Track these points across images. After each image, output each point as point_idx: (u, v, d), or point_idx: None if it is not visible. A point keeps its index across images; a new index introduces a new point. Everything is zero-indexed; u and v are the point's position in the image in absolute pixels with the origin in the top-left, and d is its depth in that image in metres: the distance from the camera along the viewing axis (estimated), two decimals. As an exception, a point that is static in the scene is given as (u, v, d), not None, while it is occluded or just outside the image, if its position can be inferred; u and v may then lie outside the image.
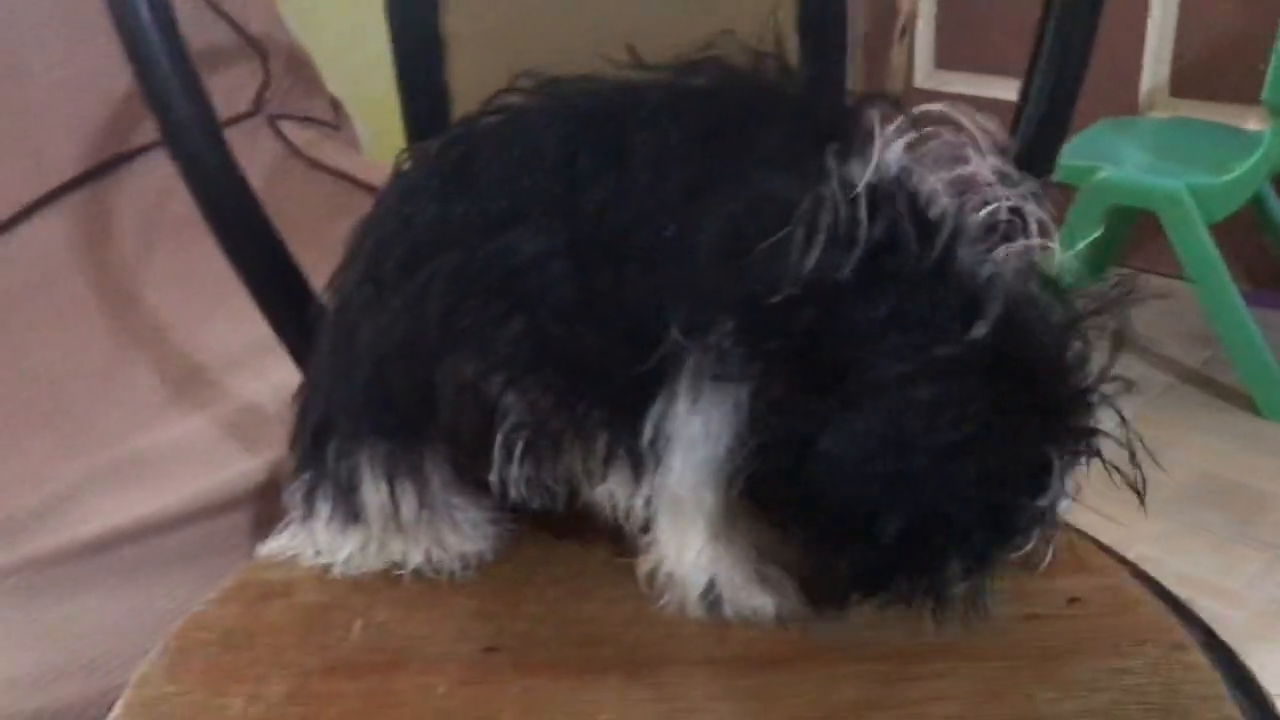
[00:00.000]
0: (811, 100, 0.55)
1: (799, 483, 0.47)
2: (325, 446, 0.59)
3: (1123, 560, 0.61)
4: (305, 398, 0.62)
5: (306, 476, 0.61)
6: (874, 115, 0.51)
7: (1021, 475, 0.47)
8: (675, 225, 0.49)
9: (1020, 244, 0.48)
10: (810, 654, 0.54)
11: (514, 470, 0.54)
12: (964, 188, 0.49)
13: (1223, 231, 1.64)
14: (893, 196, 0.47)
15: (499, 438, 0.53)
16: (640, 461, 0.52)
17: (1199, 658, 0.52)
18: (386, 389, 0.56)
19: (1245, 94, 1.88)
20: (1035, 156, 0.68)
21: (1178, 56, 1.95)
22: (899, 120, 0.51)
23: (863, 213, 0.46)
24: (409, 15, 0.68)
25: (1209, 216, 1.61)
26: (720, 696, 0.52)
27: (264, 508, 0.89)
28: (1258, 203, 1.75)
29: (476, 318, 0.52)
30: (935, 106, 0.52)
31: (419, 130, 0.70)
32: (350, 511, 0.59)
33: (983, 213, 0.48)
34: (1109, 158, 1.72)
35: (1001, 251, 0.48)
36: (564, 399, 0.53)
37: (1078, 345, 0.49)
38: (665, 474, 0.52)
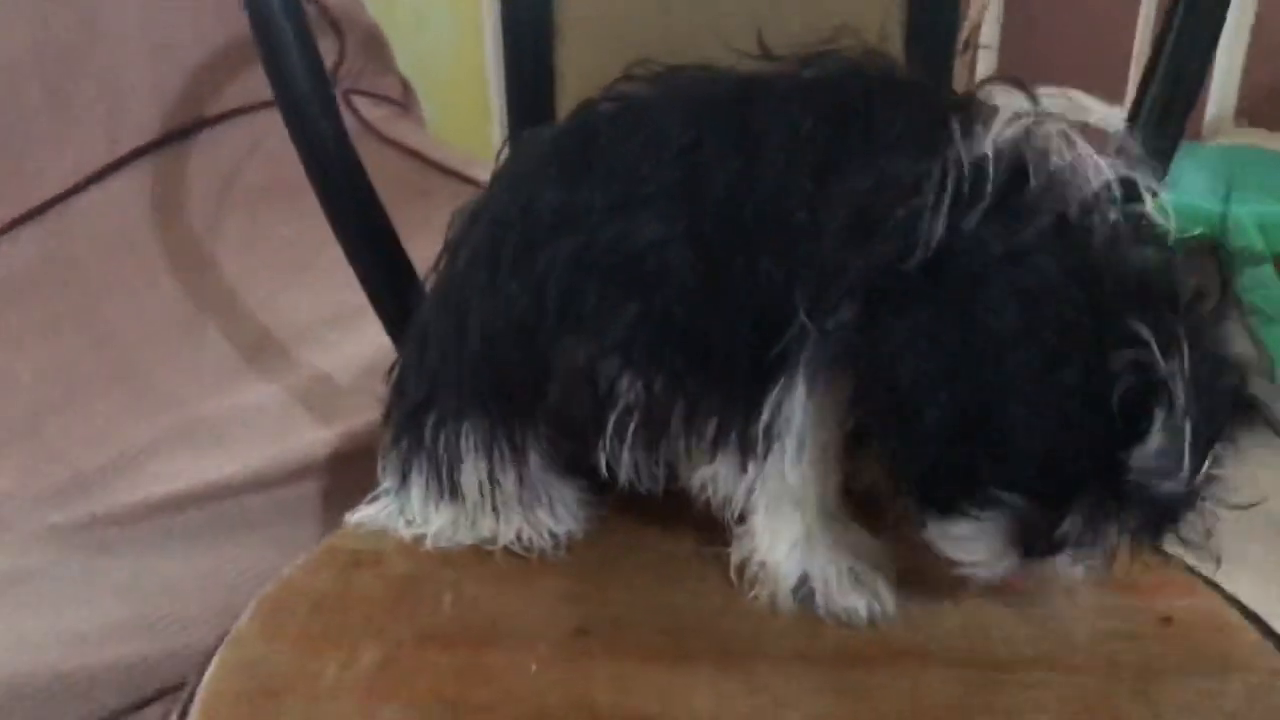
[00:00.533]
0: (933, 89, 0.55)
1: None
2: (424, 420, 0.60)
3: (1213, 584, 0.60)
4: (402, 371, 0.63)
5: (402, 447, 0.62)
6: (998, 93, 0.51)
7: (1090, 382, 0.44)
8: (805, 209, 0.49)
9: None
10: (902, 655, 0.54)
11: (624, 453, 0.54)
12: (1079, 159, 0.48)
13: (1283, 263, 1.62)
14: (1017, 158, 0.47)
15: (611, 421, 0.54)
16: (750, 446, 0.52)
17: (1301, 685, 0.52)
18: (496, 369, 0.56)
19: (1313, 126, 1.86)
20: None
21: (1246, 83, 1.93)
22: (1020, 100, 0.51)
23: (988, 175, 0.46)
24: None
25: (1273, 247, 1.59)
26: (813, 691, 0.52)
27: (332, 479, 0.89)
28: (1320, 236, 1.73)
29: (595, 301, 0.52)
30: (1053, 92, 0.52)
31: (523, 114, 0.70)
32: (446, 486, 0.60)
33: (1096, 181, 0.48)
34: (1172, 183, 1.70)
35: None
36: (679, 383, 0.53)
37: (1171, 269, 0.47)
38: (776, 458, 0.52)
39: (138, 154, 1.26)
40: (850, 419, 0.51)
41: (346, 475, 0.88)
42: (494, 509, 0.59)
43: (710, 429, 0.53)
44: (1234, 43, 1.90)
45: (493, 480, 0.58)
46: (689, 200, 0.51)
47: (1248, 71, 1.90)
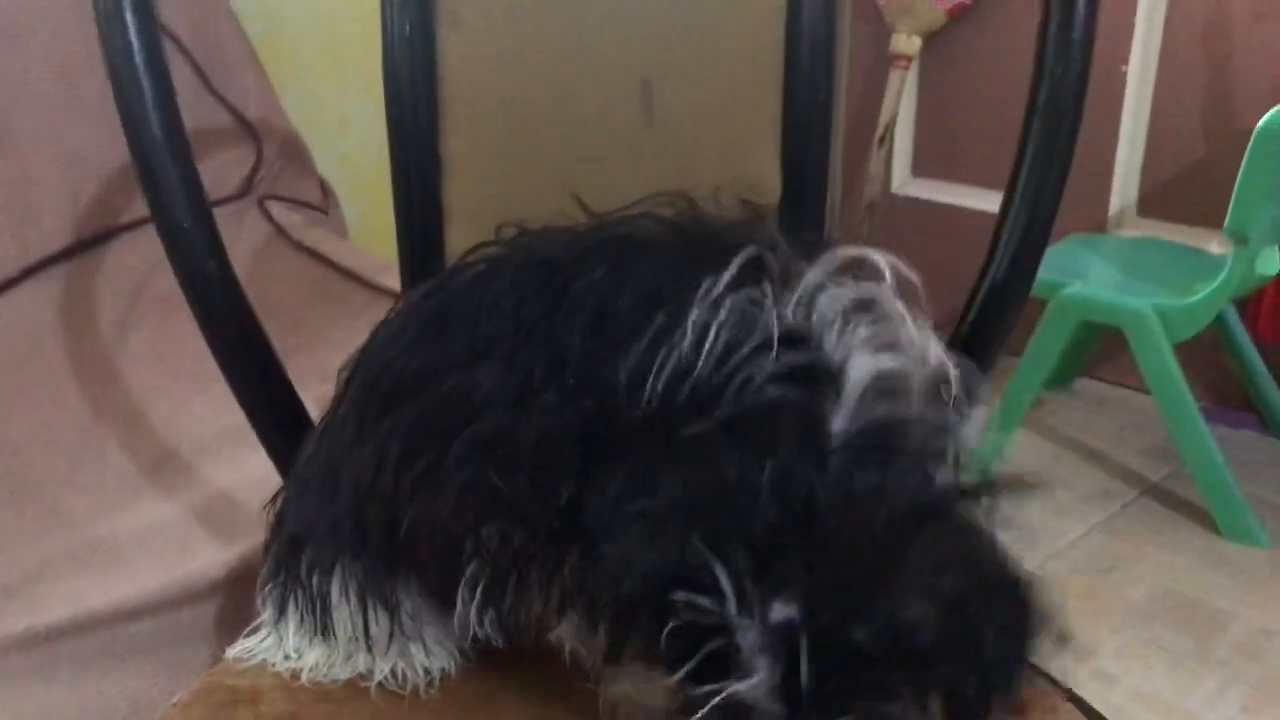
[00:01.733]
0: (709, 237, 0.54)
1: None
2: (300, 555, 0.60)
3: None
4: (284, 505, 0.63)
5: (280, 580, 0.62)
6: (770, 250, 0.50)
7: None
8: (575, 371, 0.49)
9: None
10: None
11: (474, 611, 0.54)
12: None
13: (1187, 350, 1.68)
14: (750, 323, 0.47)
15: (462, 580, 0.54)
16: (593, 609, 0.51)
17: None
18: (364, 524, 0.56)
19: (1209, 218, 1.95)
20: (1015, 272, 0.68)
21: (1146, 178, 2.01)
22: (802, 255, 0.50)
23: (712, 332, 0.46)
24: (410, 136, 0.70)
25: (1174, 337, 1.65)
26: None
27: (228, 602, 0.89)
28: (1220, 324, 1.80)
29: (434, 462, 0.52)
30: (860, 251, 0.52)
31: (413, 248, 0.72)
32: (320, 624, 0.60)
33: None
34: (1078, 274, 1.77)
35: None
36: (521, 544, 0.53)
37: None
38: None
39: (47, 262, 1.26)
40: None
41: (243, 597, 0.87)
42: (368, 648, 0.59)
43: (555, 593, 0.52)
44: (1134, 141, 1.99)
45: (365, 622, 0.58)
46: (512, 359, 0.51)
47: (1147, 165, 1.99)
